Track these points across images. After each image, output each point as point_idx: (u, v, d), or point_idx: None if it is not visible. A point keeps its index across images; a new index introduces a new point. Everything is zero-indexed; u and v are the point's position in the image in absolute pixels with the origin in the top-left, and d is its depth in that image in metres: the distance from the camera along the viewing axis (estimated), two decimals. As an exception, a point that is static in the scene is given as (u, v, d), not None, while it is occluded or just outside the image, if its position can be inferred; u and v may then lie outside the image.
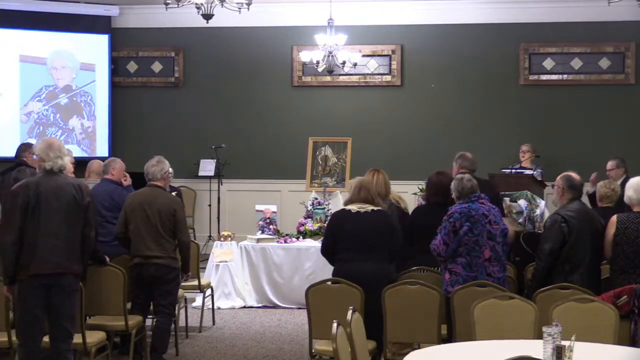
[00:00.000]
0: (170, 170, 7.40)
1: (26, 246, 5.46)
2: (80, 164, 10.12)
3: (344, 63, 10.66)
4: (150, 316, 6.97)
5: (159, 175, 6.78)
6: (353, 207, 6.18)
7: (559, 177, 6.26)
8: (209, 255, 9.59)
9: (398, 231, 6.32)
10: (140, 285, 6.65)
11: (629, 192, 5.99)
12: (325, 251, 6.34)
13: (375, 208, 6.16)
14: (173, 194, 7.40)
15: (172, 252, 6.65)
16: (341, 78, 12.02)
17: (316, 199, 9.86)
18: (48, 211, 5.50)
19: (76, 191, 5.58)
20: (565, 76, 11.72)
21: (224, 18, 9.96)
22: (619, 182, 7.89)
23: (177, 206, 6.73)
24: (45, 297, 5.54)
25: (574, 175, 6.24)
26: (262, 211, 9.53)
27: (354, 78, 12.05)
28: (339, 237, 6.14)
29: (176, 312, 7.23)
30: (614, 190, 6.88)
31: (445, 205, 6.24)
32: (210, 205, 11.95)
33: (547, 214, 7.57)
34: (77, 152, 12.08)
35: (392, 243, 6.18)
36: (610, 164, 9.31)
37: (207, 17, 8.62)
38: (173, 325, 7.06)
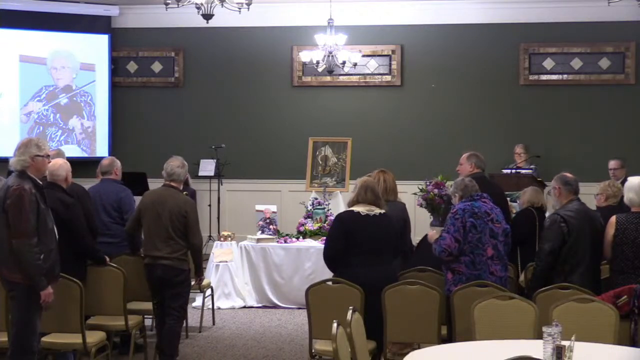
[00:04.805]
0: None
1: None
2: (81, 164, 10.16)
3: (344, 63, 10.66)
4: (150, 316, 6.97)
5: (182, 177, 6.65)
6: (361, 210, 5.94)
7: (553, 179, 6.28)
8: (209, 255, 9.59)
9: (408, 233, 6.31)
10: (151, 286, 6.59)
11: (630, 194, 5.98)
12: (334, 255, 5.95)
13: (382, 211, 6.02)
14: (184, 193, 7.37)
15: (182, 254, 6.50)
16: (341, 78, 12.03)
17: (316, 199, 9.87)
18: None
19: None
20: (565, 76, 11.72)
21: (224, 18, 9.97)
22: (620, 181, 7.92)
23: (190, 208, 6.54)
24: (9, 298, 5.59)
25: (567, 173, 6.27)
26: (262, 211, 9.53)
27: (354, 78, 12.05)
28: (351, 241, 5.85)
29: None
30: (619, 190, 6.91)
31: None
32: (210, 205, 11.95)
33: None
34: (77, 152, 12.11)
35: (401, 245, 6.15)
36: (614, 164, 9.32)
37: (207, 17, 8.63)
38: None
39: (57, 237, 5.56)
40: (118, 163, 7.49)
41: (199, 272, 6.93)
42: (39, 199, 5.39)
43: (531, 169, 10.49)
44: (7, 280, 5.46)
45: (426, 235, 6.62)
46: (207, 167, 12.06)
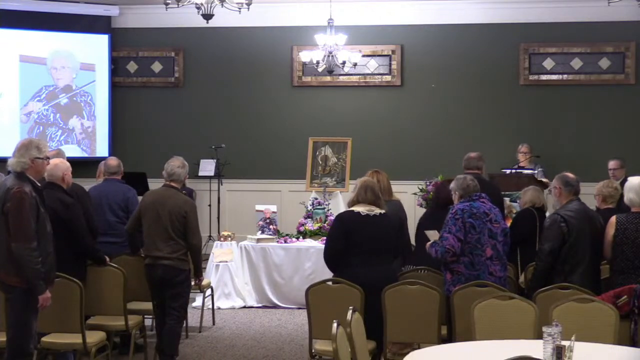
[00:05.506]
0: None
1: None
2: (81, 164, 10.16)
3: (344, 63, 10.66)
4: (150, 316, 6.97)
5: (182, 177, 6.66)
6: (362, 210, 5.94)
7: (554, 179, 6.30)
8: (209, 255, 9.59)
9: (405, 231, 6.29)
10: (152, 286, 6.59)
11: (630, 194, 5.98)
12: (334, 255, 5.94)
13: (382, 211, 6.01)
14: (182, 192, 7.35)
15: (182, 254, 6.51)
16: (341, 78, 12.02)
17: (316, 199, 9.87)
18: None
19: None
20: (565, 76, 11.72)
21: (224, 18, 9.98)
22: (620, 181, 7.91)
23: (189, 208, 6.54)
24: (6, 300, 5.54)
25: (569, 173, 6.28)
26: (262, 211, 9.53)
27: (354, 78, 12.05)
28: (351, 241, 5.84)
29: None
30: (616, 190, 6.90)
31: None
32: (210, 205, 11.95)
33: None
34: (77, 152, 12.11)
35: (400, 243, 6.16)
36: (614, 164, 9.32)
37: (207, 17, 8.63)
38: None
39: (53, 241, 5.51)
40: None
41: (198, 273, 6.93)
42: (38, 202, 5.36)
43: (531, 169, 10.48)
44: (4, 283, 5.43)
45: (423, 233, 6.62)
46: (207, 167, 12.06)
